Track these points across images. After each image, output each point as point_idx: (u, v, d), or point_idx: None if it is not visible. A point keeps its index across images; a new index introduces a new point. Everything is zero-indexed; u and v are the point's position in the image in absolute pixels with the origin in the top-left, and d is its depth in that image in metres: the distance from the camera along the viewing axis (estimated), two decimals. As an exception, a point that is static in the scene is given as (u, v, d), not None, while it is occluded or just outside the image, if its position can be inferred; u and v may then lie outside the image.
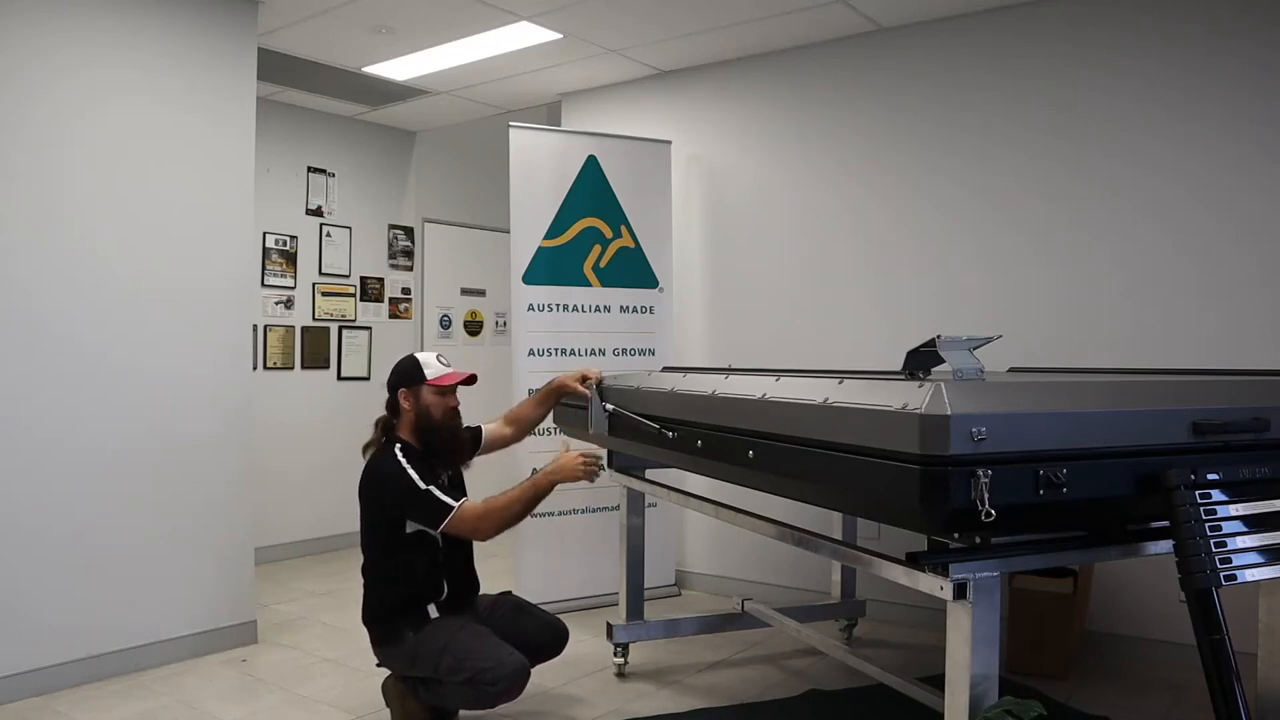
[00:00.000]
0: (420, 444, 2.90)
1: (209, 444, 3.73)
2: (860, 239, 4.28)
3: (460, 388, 2.99)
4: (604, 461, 2.99)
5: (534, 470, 4.23)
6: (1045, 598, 3.39)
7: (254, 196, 3.93)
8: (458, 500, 2.76)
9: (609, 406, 3.06)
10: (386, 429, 2.96)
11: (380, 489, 2.83)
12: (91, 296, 3.41)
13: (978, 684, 1.74)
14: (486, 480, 3.23)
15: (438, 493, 2.74)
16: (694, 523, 4.69)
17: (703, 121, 4.76)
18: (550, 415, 3.53)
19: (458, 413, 2.98)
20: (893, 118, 4.19)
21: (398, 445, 2.86)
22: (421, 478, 2.77)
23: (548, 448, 4.23)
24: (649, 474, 3.43)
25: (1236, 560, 1.73)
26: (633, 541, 3.50)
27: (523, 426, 3.33)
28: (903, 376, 1.99)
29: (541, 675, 3.11)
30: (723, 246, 4.71)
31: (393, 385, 2.96)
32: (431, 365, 2.94)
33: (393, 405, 2.95)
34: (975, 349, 1.91)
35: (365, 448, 2.97)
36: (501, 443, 3.30)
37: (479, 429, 3.21)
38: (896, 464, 1.68)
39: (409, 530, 2.82)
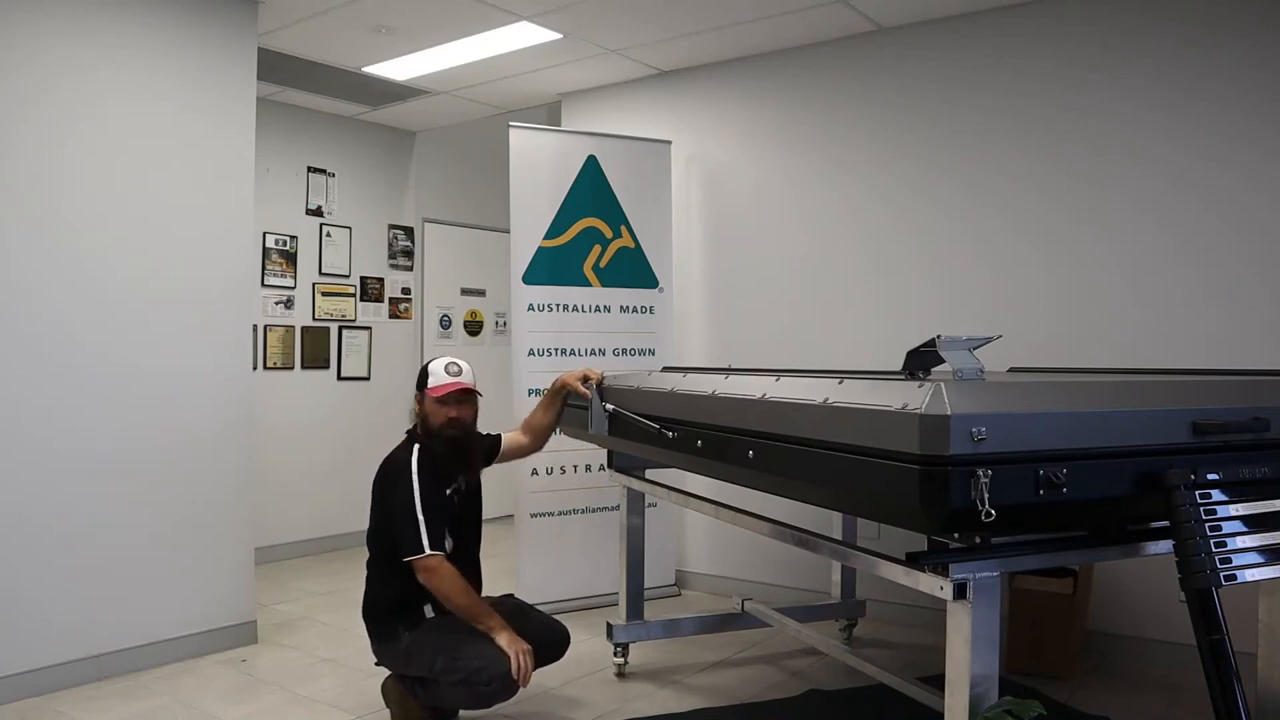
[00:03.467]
0: (439, 456, 2.93)
1: (209, 444, 3.73)
2: (860, 239, 4.28)
3: (480, 397, 3.03)
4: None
5: (533, 471, 4.27)
6: (1045, 598, 3.39)
7: (254, 196, 3.93)
8: (434, 549, 2.73)
9: (609, 406, 3.06)
10: (414, 427, 3.01)
11: (388, 487, 2.86)
12: (92, 296, 3.41)
13: (978, 684, 1.74)
14: (489, 479, 3.21)
15: (423, 529, 2.73)
16: (694, 523, 4.69)
17: (703, 121, 4.76)
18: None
19: (458, 423, 2.94)
20: (892, 118, 4.19)
21: (417, 447, 2.89)
22: (426, 494, 2.78)
23: (554, 447, 4.21)
24: (649, 474, 3.43)
25: (1236, 560, 1.73)
26: (633, 541, 3.50)
27: (538, 434, 3.34)
28: (903, 376, 1.99)
29: (541, 675, 3.11)
30: (723, 246, 4.71)
31: (415, 390, 3.05)
32: (436, 374, 2.96)
33: (418, 407, 3.03)
34: (975, 349, 1.90)
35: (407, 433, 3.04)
36: (520, 451, 3.33)
37: (498, 437, 3.22)
38: (896, 464, 1.68)
39: None
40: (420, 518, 2.75)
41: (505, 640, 2.69)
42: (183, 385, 3.65)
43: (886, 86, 4.20)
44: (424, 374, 2.99)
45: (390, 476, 2.87)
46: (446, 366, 2.98)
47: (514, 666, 2.63)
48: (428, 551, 2.72)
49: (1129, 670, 3.48)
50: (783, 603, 3.87)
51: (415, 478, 2.79)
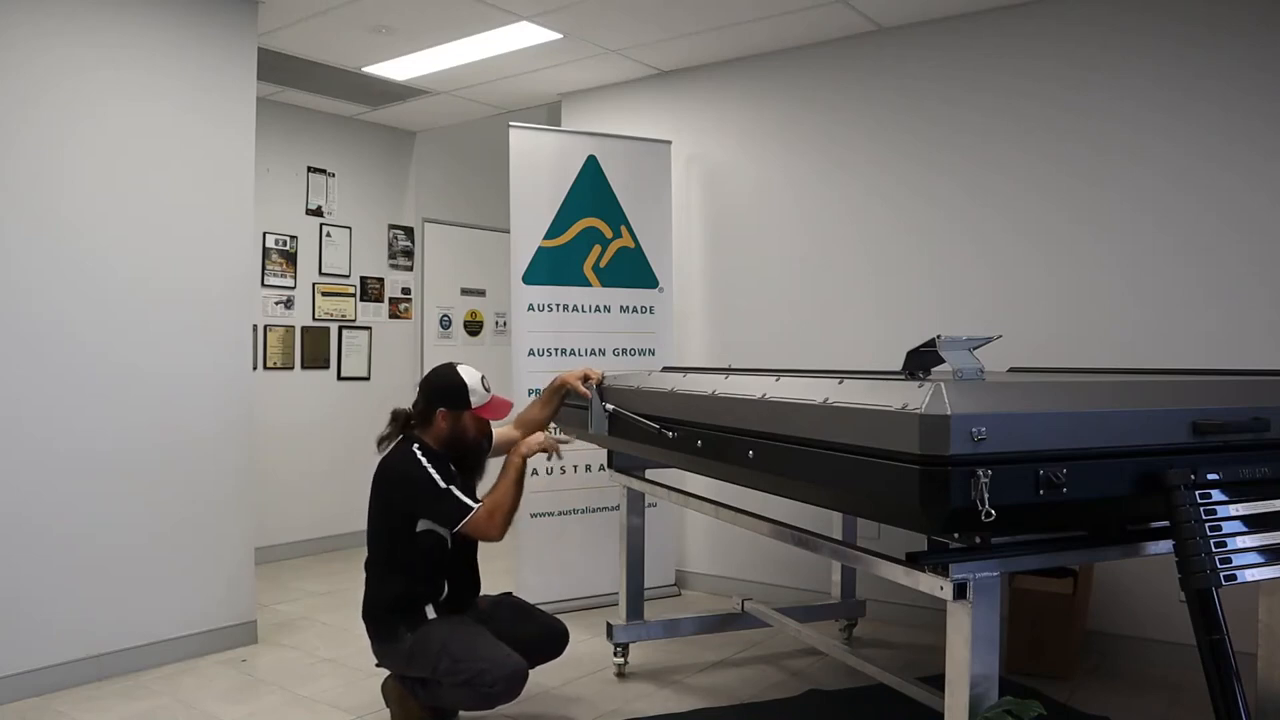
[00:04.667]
0: (448, 455, 2.92)
1: (209, 444, 3.73)
2: (860, 239, 4.28)
3: None
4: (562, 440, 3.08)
5: (534, 471, 4.26)
6: (1045, 598, 3.39)
7: (254, 196, 3.93)
8: (477, 502, 2.77)
9: (609, 406, 3.06)
10: (405, 426, 2.96)
11: (398, 486, 2.83)
12: (92, 296, 3.41)
13: (978, 684, 1.74)
14: (489, 479, 3.21)
15: (458, 493, 2.76)
16: (694, 523, 4.69)
17: (703, 121, 4.76)
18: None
19: (486, 430, 3.03)
20: (892, 118, 4.19)
21: (416, 445, 2.87)
22: (442, 474, 2.80)
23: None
24: (649, 474, 3.43)
25: (1236, 560, 1.73)
26: (633, 541, 3.50)
27: (531, 429, 3.32)
28: (903, 376, 1.99)
29: (541, 675, 3.11)
30: (723, 246, 4.71)
31: (431, 399, 2.92)
32: (478, 392, 2.92)
33: (425, 415, 2.93)
34: (975, 349, 1.90)
35: (380, 441, 2.96)
36: (510, 447, 3.30)
37: (490, 433, 3.22)
38: (896, 464, 1.68)
39: (419, 529, 2.82)
40: (449, 488, 2.76)
41: (535, 441, 2.95)
42: (183, 385, 3.65)
43: (886, 86, 4.20)
44: (459, 390, 2.90)
45: (398, 475, 2.83)
46: (482, 381, 2.96)
47: (549, 440, 2.96)
48: (474, 505, 2.75)
49: (1129, 670, 3.48)
50: (783, 603, 3.87)
51: (427, 464, 2.80)
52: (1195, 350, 3.42)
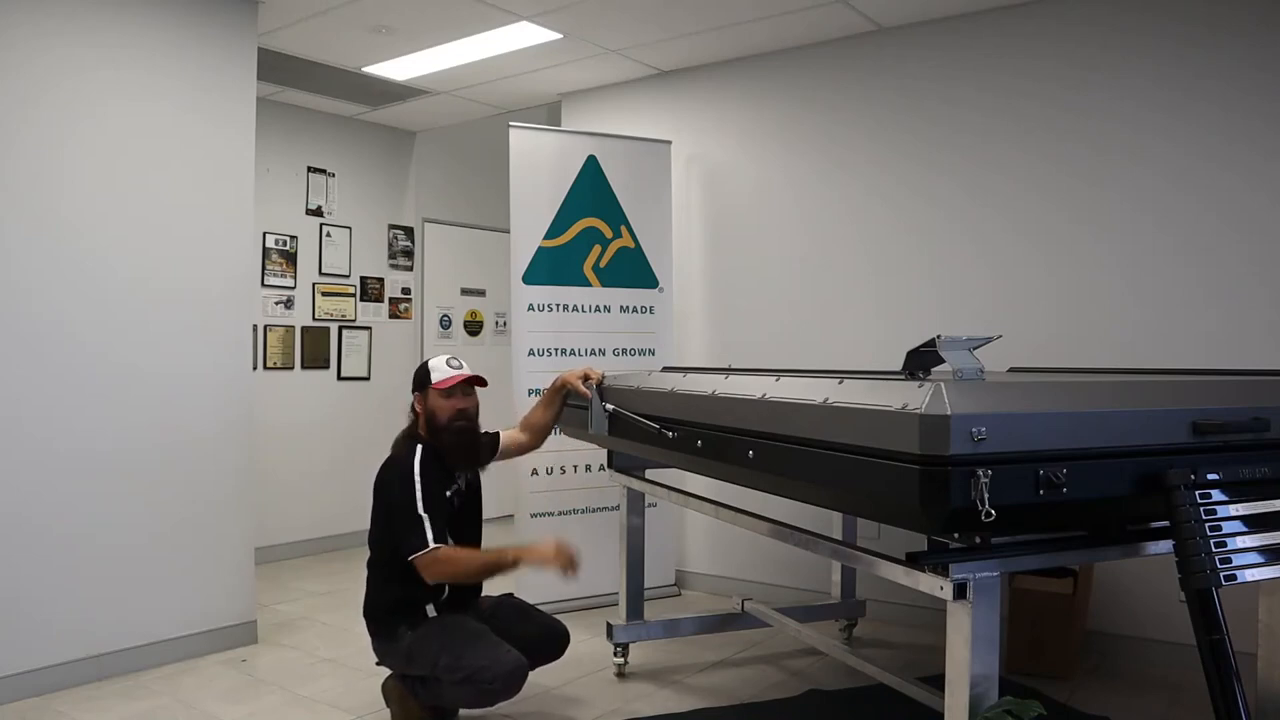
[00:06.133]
0: (444, 454, 2.94)
1: (209, 444, 3.73)
2: (860, 239, 4.28)
3: (480, 390, 3.03)
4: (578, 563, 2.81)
5: (533, 471, 4.26)
6: (1045, 598, 3.39)
7: (254, 196, 3.93)
8: (438, 542, 2.73)
9: (609, 406, 3.06)
10: (412, 428, 3.01)
11: (387, 491, 2.86)
12: (92, 296, 3.41)
13: (978, 684, 1.74)
14: (489, 479, 3.21)
15: (427, 526, 2.74)
16: (694, 523, 4.69)
17: (703, 121, 4.76)
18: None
19: (465, 413, 2.97)
20: (892, 118, 4.19)
21: (419, 448, 2.88)
22: (427, 494, 2.78)
23: (554, 447, 4.23)
24: (649, 474, 3.43)
25: (1236, 560, 1.73)
26: (633, 541, 3.50)
27: (537, 432, 3.34)
28: (903, 376, 1.99)
29: (541, 675, 3.11)
30: (723, 246, 4.71)
31: (412, 389, 3.03)
32: (439, 369, 2.97)
33: (411, 407, 3.03)
34: (975, 349, 1.90)
35: (395, 443, 3.02)
36: (518, 449, 3.32)
37: (497, 435, 3.22)
38: (896, 464, 1.68)
39: None
40: (424, 515, 2.74)
41: (545, 549, 2.77)
42: (183, 385, 3.65)
43: (886, 86, 4.20)
44: (424, 371, 2.99)
45: (391, 478, 2.87)
46: (447, 361, 3.00)
47: (565, 565, 2.74)
48: (431, 546, 2.71)
49: (1129, 670, 3.48)
50: (783, 603, 3.87)
51: (418, 479, 2.80)
52: (1195, 350, 3.42)
